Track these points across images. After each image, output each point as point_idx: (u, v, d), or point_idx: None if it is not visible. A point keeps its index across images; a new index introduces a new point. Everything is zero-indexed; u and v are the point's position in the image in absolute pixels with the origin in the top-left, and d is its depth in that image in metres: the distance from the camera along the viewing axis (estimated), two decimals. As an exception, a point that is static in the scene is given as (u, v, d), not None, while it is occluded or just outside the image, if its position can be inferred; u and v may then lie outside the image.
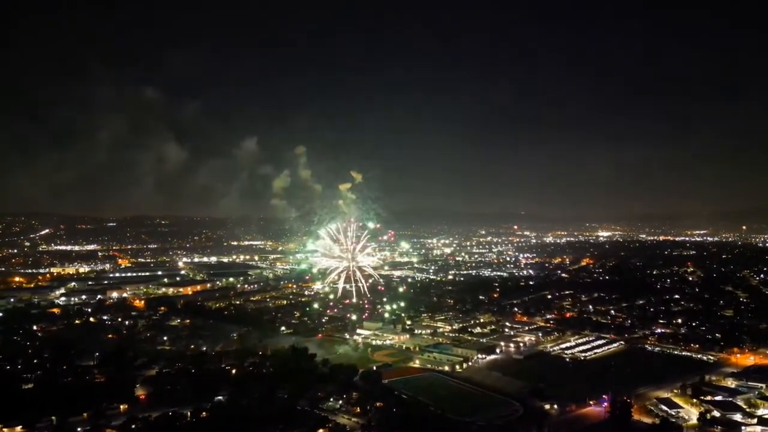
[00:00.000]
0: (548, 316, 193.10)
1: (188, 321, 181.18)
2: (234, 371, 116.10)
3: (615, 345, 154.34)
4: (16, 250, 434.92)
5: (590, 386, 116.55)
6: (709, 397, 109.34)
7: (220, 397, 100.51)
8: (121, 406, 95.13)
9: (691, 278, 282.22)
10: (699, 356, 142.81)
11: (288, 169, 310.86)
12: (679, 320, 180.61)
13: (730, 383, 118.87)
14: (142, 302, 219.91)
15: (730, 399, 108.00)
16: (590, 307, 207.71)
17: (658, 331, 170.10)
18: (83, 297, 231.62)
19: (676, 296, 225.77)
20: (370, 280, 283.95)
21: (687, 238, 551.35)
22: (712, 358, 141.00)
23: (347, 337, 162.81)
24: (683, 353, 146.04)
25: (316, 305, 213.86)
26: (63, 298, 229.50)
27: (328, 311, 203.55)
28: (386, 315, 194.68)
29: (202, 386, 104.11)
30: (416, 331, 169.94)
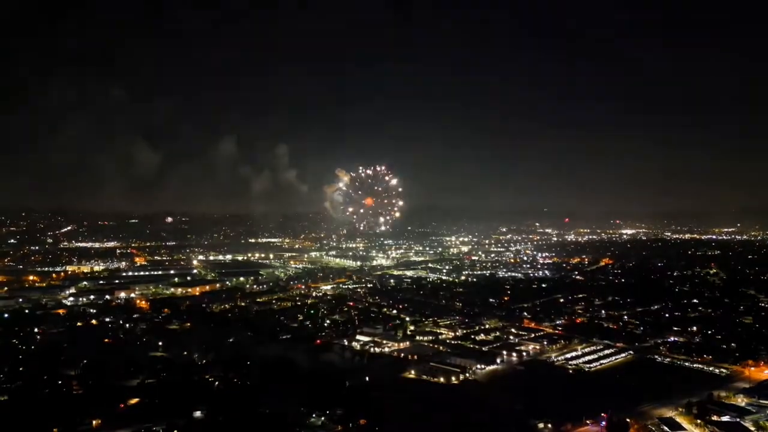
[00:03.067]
0: (558, 322, 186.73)
1: (188, 324, 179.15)
2: (217, 383, 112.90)
3: (623, 355, 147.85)
4: (37, 247, 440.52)
5: (591, 402, 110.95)
6: (715, 417, 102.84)
7: (198, 413, 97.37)
8: (94, 422, 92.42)
9: (713, 280, 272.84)
10: (711, 369, 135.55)
11: (304, 168, 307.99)
12: (695, 328, 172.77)
13: (740, 401, 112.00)
14: (147, 303, 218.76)
15: (738, 420, 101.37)
16: (603, 312, 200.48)
17: (671, 339, 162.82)
18: (91, 297, 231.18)
19: (695, 301, 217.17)
20: (382, 281, 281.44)
21: (714, 236, 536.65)
22: (724, 371, 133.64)
23: (345, 343, 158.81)
24: (694, 365, 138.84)
25: (321, 308, 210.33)
26: (71, 299, 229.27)
27: (332, 314, 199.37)
28: (390, 319, 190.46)
29: (182, 399, 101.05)
30: (417, 338, 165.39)
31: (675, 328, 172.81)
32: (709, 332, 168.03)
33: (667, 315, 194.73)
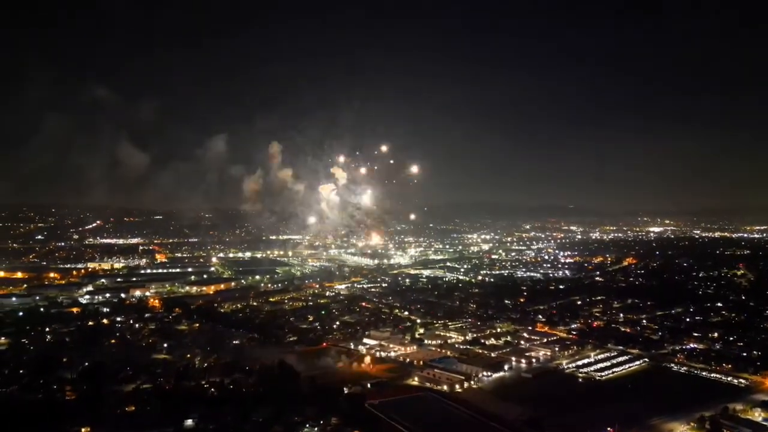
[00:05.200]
0: (573, 326, 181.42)
1: (197, 325, 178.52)
2: (213, 389, 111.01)
3: (638, 363, 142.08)
4: (63, 243, 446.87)
5: (598, 414, 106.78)
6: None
7: (189, 421, 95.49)
8: (83, 429, 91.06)
9: (740, 282, 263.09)
10: (729, 379, 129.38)
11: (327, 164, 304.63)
12: (716, 334, 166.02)
13: (757, 415, 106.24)
14: (160, 303, 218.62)
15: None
16: (621, 315, 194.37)
17: (690, 346, 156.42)
18: (107, 295, 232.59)
19: (719, 304, 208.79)
20: (397, 280, 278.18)
21: (744, 235, 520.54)
22: (743, 381, 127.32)
23: (352, 347, 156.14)
24: (712, 375, 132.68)
25: (332, 308, 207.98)
26: (87, 297, 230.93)
27: (343, 315, 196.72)
28: (401, 321, 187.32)
29: (175, 407, 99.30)
30: (426, 342, 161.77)
31: (695, 334, 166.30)
32: (731, 339, 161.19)
33: (687, 319, 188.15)
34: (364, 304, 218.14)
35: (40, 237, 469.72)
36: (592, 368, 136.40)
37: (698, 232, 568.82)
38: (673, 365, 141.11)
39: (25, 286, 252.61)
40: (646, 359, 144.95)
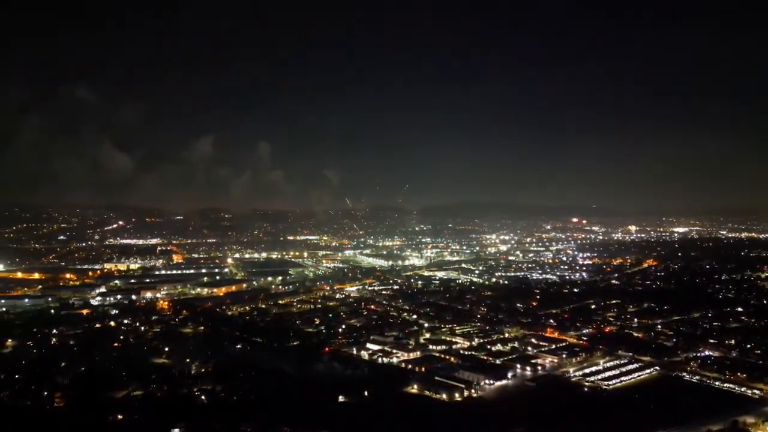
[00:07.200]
0: (584, 331, 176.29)
1: (202, 328, 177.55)
2: (204, 398, 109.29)
3: (648, 371, 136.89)
4: (83, 244, 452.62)
5: (598, 427, 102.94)
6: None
7: (176, 430, 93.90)
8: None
9: (763, 285, 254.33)
10: (742, 389, 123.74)
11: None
12: (733, 341, 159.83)
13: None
14: (169, 304, 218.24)
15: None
16: (635, 320, 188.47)
17: (705, 353, 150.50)
18: (118, 297, 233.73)
19: (739, 309, 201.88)
20: (409, 282, 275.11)
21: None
22: (757, 392, 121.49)
23: (354, 352, 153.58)
24: (725, 385, 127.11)
25: (341, 311, 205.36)
26: (99, 298, 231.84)
27: (350, 319, 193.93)
28: (407, 325, 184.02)
29: (162, 416, 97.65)
30: (430, 347, 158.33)
31: (711, 341, 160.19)
32: (748, 346, 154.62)
33: (704, 325, 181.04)
34: (372, 306, 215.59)
35: (62, 237, 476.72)
36: (599, 376, 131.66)
37: (724, 232, 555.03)
38: (684, 374, 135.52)
39: (39, 287, 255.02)
40: (657, 367, 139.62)
